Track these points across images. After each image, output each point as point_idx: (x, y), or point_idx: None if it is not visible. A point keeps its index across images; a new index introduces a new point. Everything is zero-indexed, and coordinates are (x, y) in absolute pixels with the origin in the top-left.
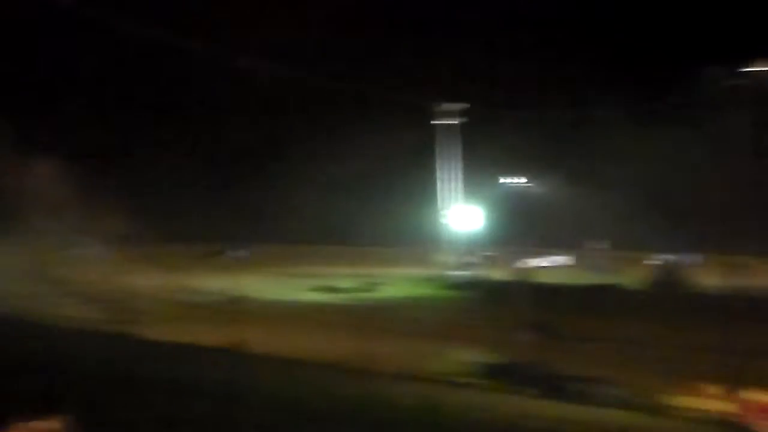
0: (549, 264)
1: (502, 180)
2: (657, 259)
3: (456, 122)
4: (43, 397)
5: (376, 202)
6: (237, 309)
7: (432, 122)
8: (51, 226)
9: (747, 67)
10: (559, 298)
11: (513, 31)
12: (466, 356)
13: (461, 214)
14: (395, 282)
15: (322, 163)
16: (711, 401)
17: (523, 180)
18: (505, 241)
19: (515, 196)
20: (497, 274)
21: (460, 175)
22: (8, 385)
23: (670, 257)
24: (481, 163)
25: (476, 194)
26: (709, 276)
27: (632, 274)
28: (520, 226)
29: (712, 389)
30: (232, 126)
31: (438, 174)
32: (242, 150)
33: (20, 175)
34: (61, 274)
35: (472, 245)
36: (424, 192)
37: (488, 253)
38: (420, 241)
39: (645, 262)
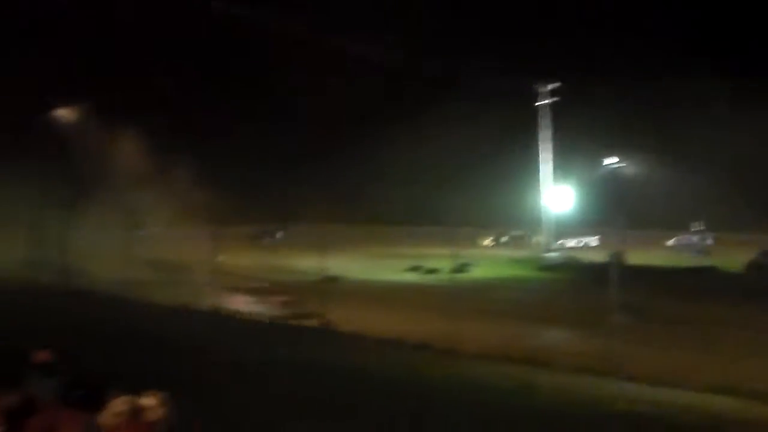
0: (577, 245)
1: (595, 160)
2: (677, 239)
3: (549, 102)
4: (147, 376)
5: (471, 183)
6: (331, 288)
7: (526, 102)
8: (125, 205)
9: None
10: (654, 281)
11: (605, 5)
12: None
13: (554, 196)
14: (487, 263)
15: (416, 144)
16: None
17: (617, 160)
18: (596, 222)
19: (608, 177)
20: (587, 255)
21: (553, 156)
22: (118, 364)
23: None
24: (574, 143)
25: (569, 175)
26: None
27: (729, 256)
28: (611, 208)
29: None
30: (324, 103)
31: (532, 155)
32: (333, 128)
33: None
34: (154, 256)
35: (562, 227)
36: (519, 173)
37: (517, 233)
38: (514, 223)
39: (668, 243)
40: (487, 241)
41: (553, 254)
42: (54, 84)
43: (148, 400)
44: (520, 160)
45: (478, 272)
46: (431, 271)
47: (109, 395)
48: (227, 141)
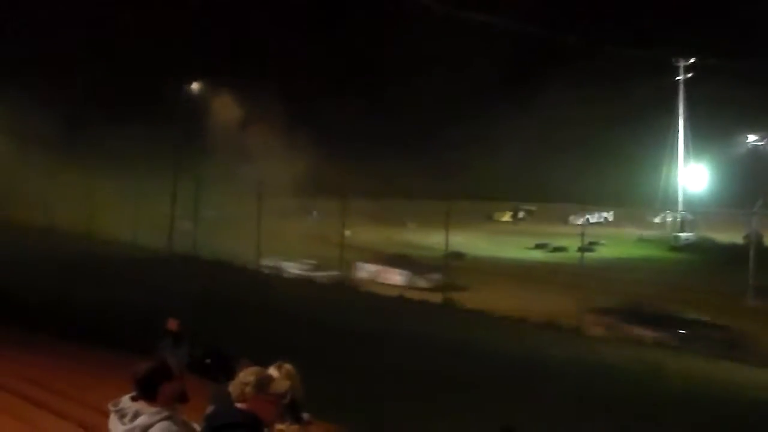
0: (584, 221)
1: (731, 139)
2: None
3: (683, 77)
4: (271, 345)
5: (600, 160)
6: (459, 265)
7: (658, 77)
8: (247, 177)
9: None
10: None
11: None
12: None
13: (688, 174)
14: (616, 242)
15: (543, 119)
16: None
17: (755, 138)
18: (730, 203)
19: (745, 155)
20: (721, 236)
21: (687, 134)
22: (251, 333)
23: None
24: (710, 120)
25: (704, 153)
26: None
27: None
28: (748, 187)
29: None
30: (445, 76)
31: (662, 131)
32: (448, 103)
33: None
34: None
35: (695, 206)
36: (650, 150)
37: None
38: (644, 201)
39: None
40: (506, 217)
41: (685, 234)
42: (185, 58)
43: (276, 372)
44: (649, 137)
45: (607, 251)
46: (558, 249)
47: (238, 365)
48: (336, 115)
